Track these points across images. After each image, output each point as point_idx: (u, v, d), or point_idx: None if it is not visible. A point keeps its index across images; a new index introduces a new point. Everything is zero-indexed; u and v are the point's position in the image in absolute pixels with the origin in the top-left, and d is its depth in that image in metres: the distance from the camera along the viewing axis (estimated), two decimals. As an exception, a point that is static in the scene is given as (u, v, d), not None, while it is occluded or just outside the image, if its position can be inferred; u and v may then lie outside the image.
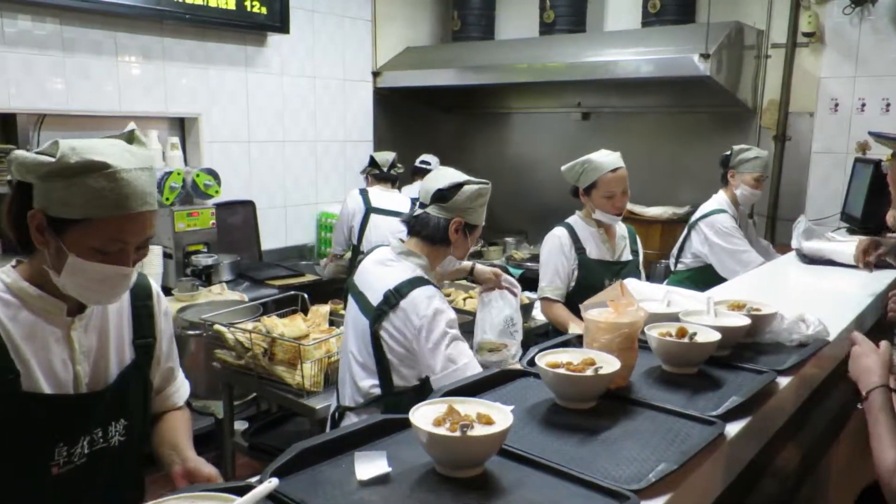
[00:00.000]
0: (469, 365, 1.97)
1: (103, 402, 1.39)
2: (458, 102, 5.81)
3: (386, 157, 4.21)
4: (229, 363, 2.79)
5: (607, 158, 2.85)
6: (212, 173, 3.84)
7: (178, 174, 3.71)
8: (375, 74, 5.24)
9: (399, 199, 4.12)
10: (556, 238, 2.93)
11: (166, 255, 3.74)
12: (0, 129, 3.46)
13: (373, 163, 4.18)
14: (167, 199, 3.67)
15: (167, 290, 3.72)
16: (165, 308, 1.57)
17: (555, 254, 2.90)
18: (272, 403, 3.55)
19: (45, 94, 3.51)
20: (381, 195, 4.09)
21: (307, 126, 4.80)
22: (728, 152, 3.49)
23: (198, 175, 3.76)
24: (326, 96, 4.90)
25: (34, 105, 3.47)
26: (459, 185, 2.12)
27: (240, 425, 3.35)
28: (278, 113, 4.60)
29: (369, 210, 4.00)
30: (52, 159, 1.23)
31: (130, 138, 1.37)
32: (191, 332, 3.26)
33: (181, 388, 1.67)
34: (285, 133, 4.66)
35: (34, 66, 3.45)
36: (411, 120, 5.65)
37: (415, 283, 2.01)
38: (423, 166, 5.01)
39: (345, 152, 5.11)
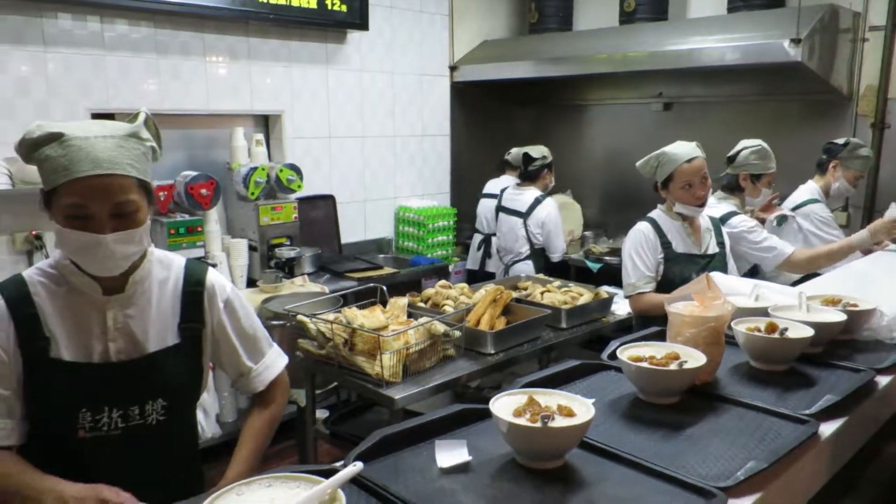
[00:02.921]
0: None
1: (134, 379, 1.43)
2: (536, 95, 5.76)
3: (517, 155, 4.40)
4: (311, 353, 2.86)
5: (682, 149, 2.77)
6: (294, 168, 3.94)
7: (263, 170, 3.83)
8: (452, 69, 5.26)
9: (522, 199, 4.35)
10: (641, 233, 2.86)
11: (251, 248, 3.87)
12: (100, 129, 3.65)
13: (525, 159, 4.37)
14: (252, 193, 3.79)
15: (252, 282, 3.85)
16: (227, 299, 1.58)
17: (640, 248, 2.83)
18: (352, 393, 3.62)
19: (141, 95, 3.68)
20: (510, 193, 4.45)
21: (385, 121, 4.87)
22: (839, 141, 3.33)
23: (281, 170, 3.87)
24: (404, 91, 4.96)
25: (131, 105, 3.65)
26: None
27: (321, 414, 3.44)
28: (358, 109, 4.68)
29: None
30: (22, 137, 1.34)
31: (132, 118, 1.42)
32: (275, 323, 3.36)
33: (274, 364, 1.71)
34: (364, 128, 4.74)
35: (130, 68, 3.63)
36: (488, 114, 5.64)
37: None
38: (508, 158, 5.01)
39: (422, 147, 5.15)
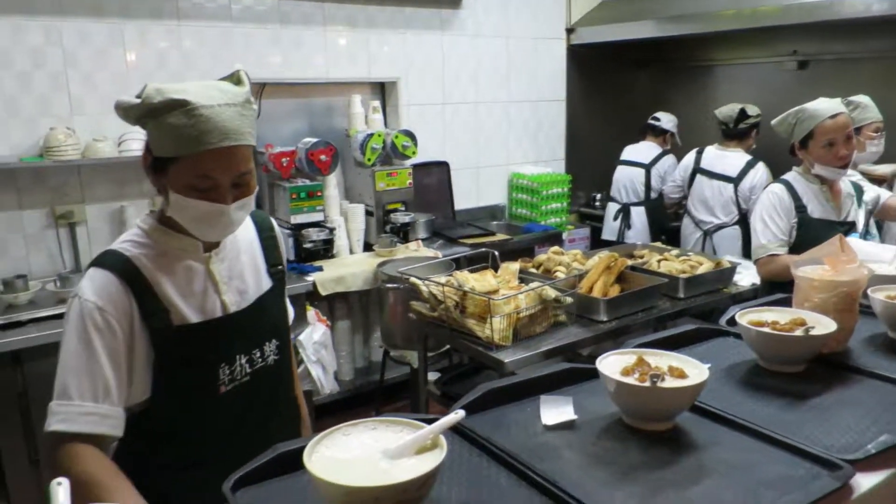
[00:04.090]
0: None
1: (252, 323, 1.47)
2: (656, 56, 5.51)
3: (731, 110, 4.22)
4: (423, 314, 2.91)
5: (824, 105, 2.57)
6: (409, 135, 3.99)
7: (379, 136, 3.91)
8: (569, 31, 5.12)
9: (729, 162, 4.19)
10: (774, 195, 2.69)
11: (368, 213, 3.98)
12: (228, 98, 3.85)
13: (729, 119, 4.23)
14: (368, 159, 3.88)
15: (368, 246, 3.96)
16: (282, 239, 1.65)
17: (772, 211, 2.67)
18: (463, 356, 3.67)
19: (265, 65, 3.84)
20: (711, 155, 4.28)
21: (499, 87, 4.82)
22: None
23: (396, 137, 3.93)
24: (519, 56, 4.88)
25: (256, 76, 3.81)
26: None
27: (433, 375, 3.51)
28: (472, 74, 4.66)
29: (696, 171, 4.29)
30: (140, 101, 1.27)
31: (236, 79, 1.38)
32: (389, 286, 3.44)
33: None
34: (478, 95, 4.72)
35: (255, 39, 3.78)
36: (606, 77, 5.46)
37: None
38: (654, 122, 4.88)
39: (537, 113, 5.07)
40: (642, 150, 4.85)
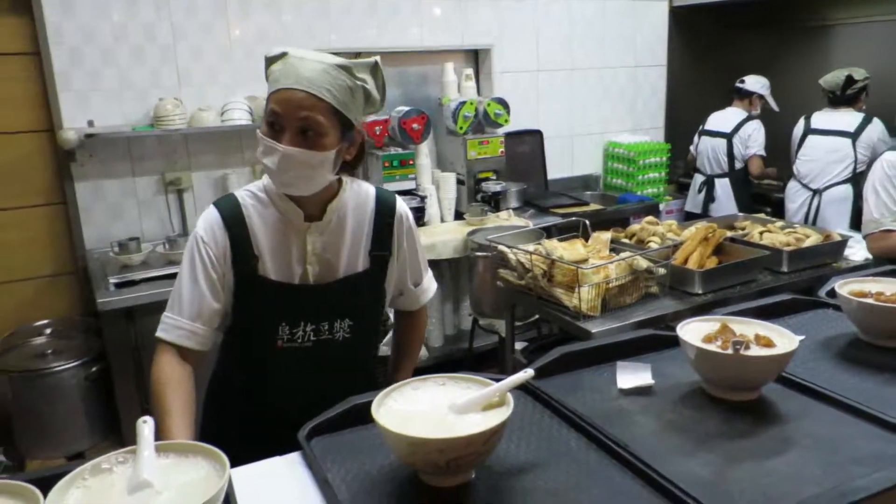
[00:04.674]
0: None
1: (327, 300, 1.54)
2: (767, 17, 5.16)
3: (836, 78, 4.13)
4: (511, 283, 2.90)
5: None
6: (502, 103, 3.95)
7: (471, 104, 3.89)
8: (672, -8, 4.90)
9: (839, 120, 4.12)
10: (890, 164, 2.51)
11: (459, 182, 3.98)
12: (325, 68, 3.93)
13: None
14: (461, 127, 3.88)
15: (459, 215, 3.97)
16: (409, 227, 1.65)
17: (886, 182, 2.50)
18: (553, 327, 3.64)
19: (361, 35, 3.89)
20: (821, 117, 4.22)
21: (596, 52, 4.67)
22: None
23: (489, 105, 3.90)
24: (616, 19, 4.70)
25: (351, 45, 3.88)
26: None
27: (520, 345, 3.50)
28: (566, 41, 4.54)
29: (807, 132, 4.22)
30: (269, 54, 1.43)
31: (355, 56, 1.49)
32: (479, 254, 3.45)
33: (429, 288, 1.81)
34: (574, 60, 4.59)
35: (352, 8, 3.83)
36: (710, 40, 5.18)
37: None
38: (739, 85, 4.63)
39: (635, 78, 4.89)
40: (726, 118, 4.59)
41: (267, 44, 3.65)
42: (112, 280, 3.04)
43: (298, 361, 1.54)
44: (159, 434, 1.30)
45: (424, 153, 3.89)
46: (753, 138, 4.45)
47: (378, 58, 1.49)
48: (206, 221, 1.49)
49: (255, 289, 1.49)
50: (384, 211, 1.59)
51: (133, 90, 3.41)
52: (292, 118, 1.36)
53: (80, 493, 0.82)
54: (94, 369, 3.10)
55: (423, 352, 3.57)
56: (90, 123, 3.30)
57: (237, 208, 1.48)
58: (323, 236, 1.51)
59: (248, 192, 1.52)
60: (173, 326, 1.47)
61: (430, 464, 0.92)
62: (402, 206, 1.65)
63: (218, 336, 1.55)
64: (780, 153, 4.45)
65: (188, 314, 1.47)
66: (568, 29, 4.52)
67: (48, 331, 3.39)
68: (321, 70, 1.37)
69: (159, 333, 1.48)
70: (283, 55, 1.40)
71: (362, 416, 1.07)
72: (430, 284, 1.81)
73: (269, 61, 1.43)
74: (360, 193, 1.59)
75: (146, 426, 0.89)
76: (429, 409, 0.98)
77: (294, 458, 1.08)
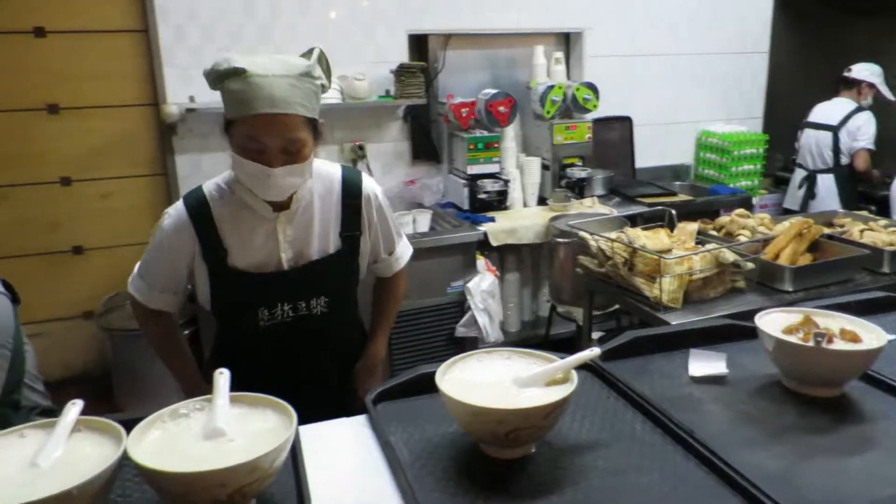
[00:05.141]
0: None
1: (302, 282, 1.60)
2: (880, 2, 4.82)
3: None
4: (591, 270, 2.86)
5: None
6: (591, 87, 3.88)
7: (560, 88, 3.84)
8: (780, -24, 4.65)
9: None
10: None
11: (544, 167, 3.94)
12: (415, 49, 3.98)
13: None
14: (548, 112, 3.83)
15: (542, 200, 3.94)
16: (378, 204, 1.69)
17: None
18: (631, 318, 3.56)
19: (452, 16, 3.89)
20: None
21: (694, 37, 4.50)
22: None
23: (577, 89, 3.84)
24: (718, 4, 4.50)
25: (443, 26, 3.89)
26: None
27: (597, 335, 3.45)
28: (663, 25, 4.39)
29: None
30: (211, 67, 1.40)
31: (308, 55, 1.48)
32: (560, 240, 3.41)
33: (402, 255, 1.84)
34: (670, 45, 4.44)
35: (443, -9, 3.86)
36: (819, 26, 4.90)
37: None
38: (846, 73, 4.37)
39: (735, 65, 4.67)
40: (833, 109, 4.32)
41: (361, 24, 3.72)
42: (206, 248, 3.20)
43: (279, 335, 1.62)
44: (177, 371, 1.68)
45: (510, 137, 3.87)
46: (863, 131, 4.19)
47: (319, 48, 1.50)
48: (174, 215, 1.55)
49: (229, 279, 1.55)
50: (351, 192, 1.63)
51: (231, 67, 3.54)
52: (275, 141, 1.41)
53: (159, 434, 0.88)
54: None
55: (499, 335, 3.58)
56: (191, 99, 3.46)
57: (203, 204, 1.53)
58: (292, 224, 1.56)
59: (216, 185, 1.56)
60: (141, 291, 1.63)
61: (490, 434, 0.93)
62: (369, 184, 1.68)
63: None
64: (890, 148, 4.18)
65: (158, 286, 1.62)
66: (666, 12, 4.37)
67: (146, 294, 3.60)
68: (289, 85, 1.39)
69: (134, 293, 1.64)
70: (241, 72, 1.37)
71: (428, 384, 1.09)
72: (403, 251, 1.85)
73: (221, 76, 1.40)
74: (325, 177, 1.62)
75: (222, 377, 0.94)
76: (492, 381, 0.98)
77: (360, 420, 1.11)
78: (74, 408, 0.89)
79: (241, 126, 1.40)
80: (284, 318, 1.61)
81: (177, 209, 1.55)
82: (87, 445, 0.85)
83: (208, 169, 3.64)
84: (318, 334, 1.67)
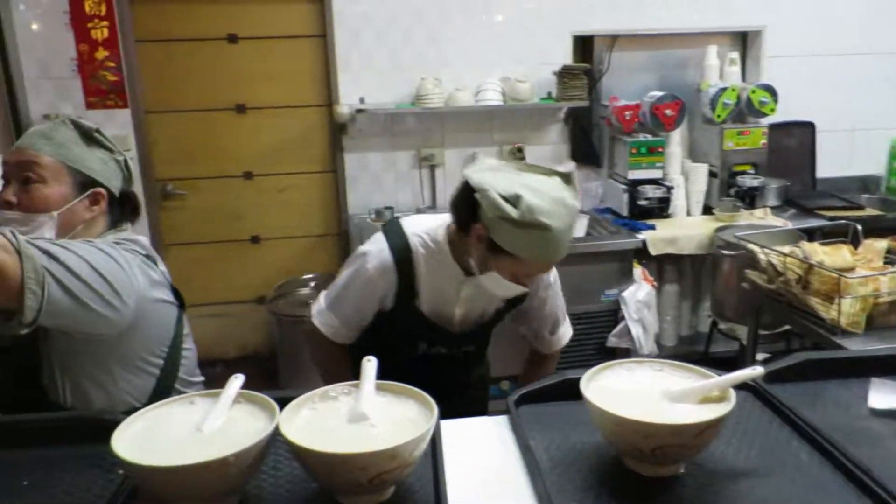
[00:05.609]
0: None
1: (465, 334, 1.76)
2: None
3: None
4: (759, 286, 2.68)
5: None
6: (769, 90, 3.60)
7: (733, 90, 3.60)
8: None
9: None
10: None
11: (711, 174, 3.73)
12: (579, 51, 3.91)
13: None
14: (719, 115, 3.62)
15: (707, 209, 3.73)
16: (549, 282, 1.80)
17: None
18: (803, 341, 3.28)
19: (617, 17, 3.78)
20: None
21: (884, 36, 4.03)
22: None
23: (753, 91, 3.58)
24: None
25: (610, 27, 3.79)
26: None
27: (762, 356, 3.21)
28: (851, 22, 3.96)
29: None
30: (515, 212, 1.41)
31: (567, 179, 1.51)
32: (725, 252, 3.22)
33: (563, 337, 1.95)
34: (857, 45, 3.99)
35: (609, -9, 3.76)
36: None
37: None
38: None
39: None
40: None
41: (522, 29, 3.73)
42: (366, 244, 3.34)
43: (435, 361, 1.78)
44: None
45: (675, 141, 3.70)
46: None
47: (572, 166, 1.66)
48: (379, 262, 1.62)
49: (409, 317, 1.68)
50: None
51: (399, 70, 3.69)
52: (544, 276, 1.71)
53: (309, 413, 0.92)
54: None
55: (654, 347, 3.44)
56: (361, 100, 3.63)
57: (408, 255, 1.63)
58: (475, 288, 1.65)
59: (421, 238, 1.65)
60: (330, 325, 1.71)
61: (635, 448, 0.88)
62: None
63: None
64: None
65: (343, 321, 1.70)
66: (854, 8, 3.95)
67: (312, 283, 3.83)
68: (570, 233, 1.51)
69: (319, 326, 1.71)
70: (546, 228, 1.43)
71: (572, 390, 1.06)
72: (565, 333, 1.95)
73: (523, 224, 1.43)
74: None
75: (370, 364, 0.97)
76: (641, 392, 0.94)
77: (501, 420, 1.10)
78: (236, 381, 0.96)
79: (525, 264, 1.50)
80: (439, 351, 1.78)
81: (380, 252, 1.64)
82: (245, 417, 0.92)
83: (374, 167, 3.81)
84: (463, 363, 1.88)
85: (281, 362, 3.64)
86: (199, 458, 0.79)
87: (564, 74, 3.63)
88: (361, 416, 0.90)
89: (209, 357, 3.92)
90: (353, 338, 1.74)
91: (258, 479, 0.94)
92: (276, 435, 0.86)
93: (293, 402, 0.91)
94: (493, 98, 3.62)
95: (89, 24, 3.43)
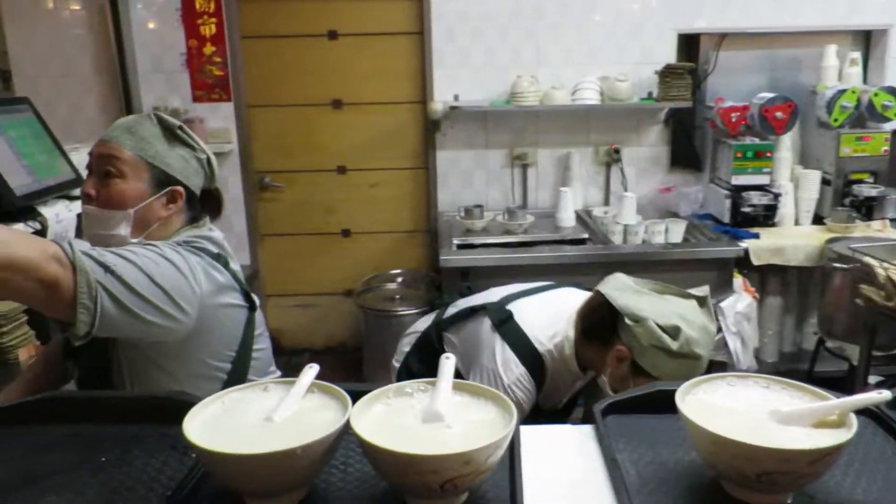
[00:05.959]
0: None
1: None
2: None
3: None
4: (875, 303, 2.47)
5: None
6: (893, 93, 3.32)
7: (853, 93, 3.34)
8: None
9: None
10: None
11: (824, 182, 3.47)
12: (685, 49, 3.73)
13: None
14: (835, 119, 3.36)
15: (818, 219, 3.49)
16: None
17: None
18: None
19: (724, 14, 3.58)
20: None
21: None
22: None
23: (875, 94, 3.31)
24: None
25: (718, 25, 3.60)
26: None
27: (874, 379, 2.97)
28: None
29: None
30: (675, 344, 1.47)
31: (703, 303, 1.56)
32: (837, 265, 2.99)
33: None
34: None
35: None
36: None
37: None
38: None
39: None
40: None
41: (626, 24, 3.61)
42: (455, 241, 3.31)
43: None
44: None
45: (786, 146, 3.47)
46: None
47: (706, 289, 1.63)
48: (517, 376, 1.68)
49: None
50: None
51: (494, 68, 3.64)
52: None
53: (382, 408, 0.88)
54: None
55: (752, 362, 3.24)
56: (455, 97, 3.61)
57: (540, 364, 1.71)
58: (584, 382, 1.82)
59: (549, 351, 1.70)
60: None
61: (736, 472, 0.79)
62: None
63: None
64: None
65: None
66: None
67: (399, 279, 3.84)
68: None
69: None
70: (697, 357, 1.50)
71: (665, 402, 0.97)
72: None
73: (677, 354, 1.49)
74: None
75: (448, 362, 0.92)
76: (744, 410, 0.85)
77: (585, 430, 1.03)
78: (311, 371, 0.93)
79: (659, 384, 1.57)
80: None
81: (518, 370, 1.68)
82: (317, 408, 0.89)
83: (466, 165, 3.78)
84: None
85: (366, 355, 3.67)
86: (266, 447, 0.76)
87: (667, 74, 3.47)
88: (436, 416, 0.85)
89: (297, 346, 4.01)
90: None
91: (327, 474, 0.91)
92: (347, 429, 0.82)
93: (366, 396, 0.88)
94: (590, 97, 3.51)
95: (199, 21, 3.57)
